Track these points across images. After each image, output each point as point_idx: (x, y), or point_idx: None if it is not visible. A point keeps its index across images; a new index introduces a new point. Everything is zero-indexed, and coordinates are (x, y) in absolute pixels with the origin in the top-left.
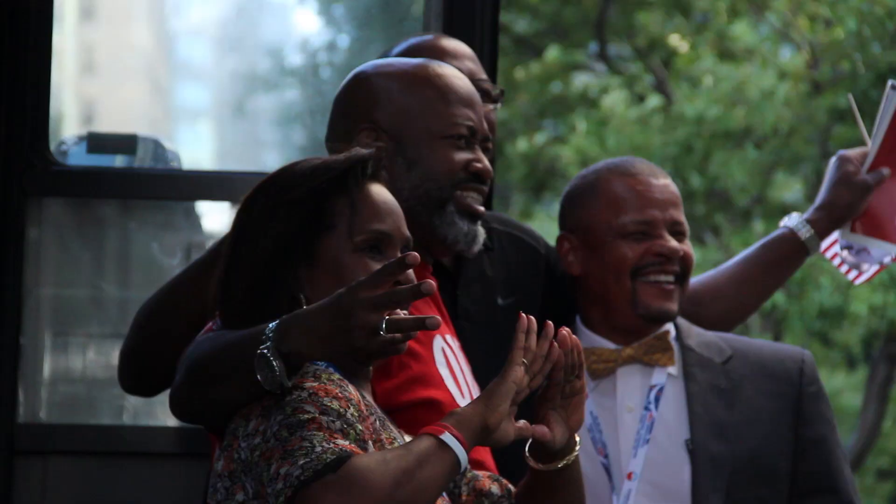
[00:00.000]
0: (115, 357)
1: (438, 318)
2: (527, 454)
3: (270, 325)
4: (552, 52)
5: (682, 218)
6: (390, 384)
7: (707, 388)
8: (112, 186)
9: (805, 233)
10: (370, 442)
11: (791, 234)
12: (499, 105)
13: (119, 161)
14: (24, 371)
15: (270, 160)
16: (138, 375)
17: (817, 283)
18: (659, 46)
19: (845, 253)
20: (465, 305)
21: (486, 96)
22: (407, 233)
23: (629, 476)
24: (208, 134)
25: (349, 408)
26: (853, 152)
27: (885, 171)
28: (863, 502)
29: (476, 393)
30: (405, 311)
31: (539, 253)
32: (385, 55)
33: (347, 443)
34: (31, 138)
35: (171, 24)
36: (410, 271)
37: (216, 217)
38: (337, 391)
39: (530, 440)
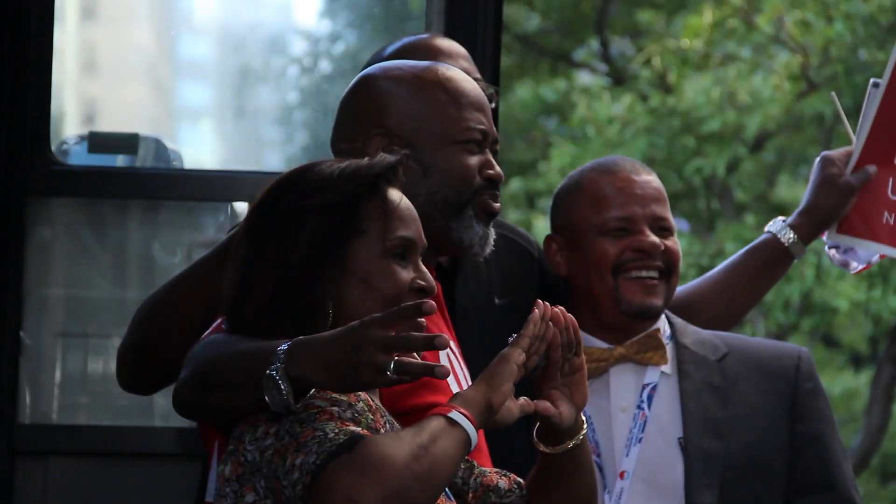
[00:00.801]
0: (115, 358)
1: (447, 337)
2: (535, 439)
3: (282, 347)
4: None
5: (667, 214)
6: (397, 388)
7: (701, 385)
8: (114, 186)
9: (788, 238)
10: (382, 431)
11: (774, 240)
12: (492, 105)
13: (121, 161)
14: (25, 371)
15: (272, 160)
16: (137, 374)
17: (801, 275)
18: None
19: (833, 252)
20: (462, 304)
21: None
22: (425, 239)
23: (621, 475)
24: (210, 134)
25: (358, 402)
26: (837, 153)
27: (872, 169)
28: None
29: None
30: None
31: (533, 257)
32: (379, 55)
33: (360, 429)
34: (32, 138)
35: (173, 23)
36: (423, 319)
37: (218, 217)
38: None
39: (537, 425)
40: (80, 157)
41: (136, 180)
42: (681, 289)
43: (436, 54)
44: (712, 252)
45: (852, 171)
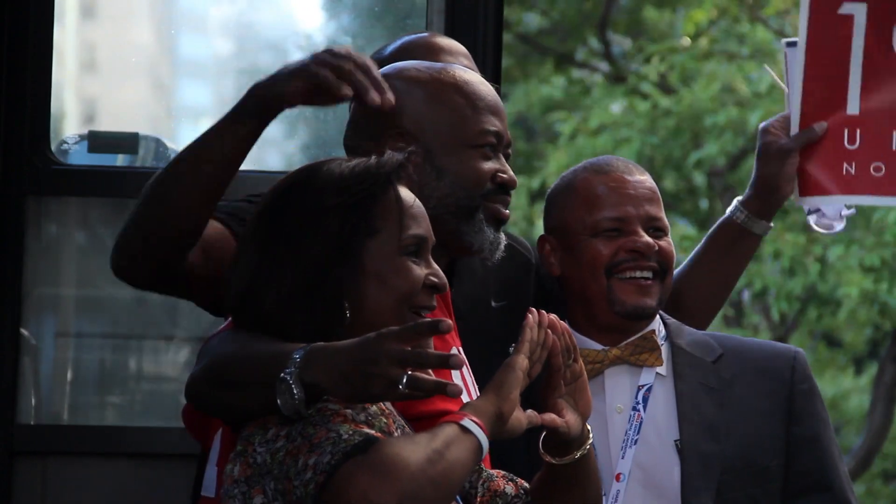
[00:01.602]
0: (116, 357)
1: (461, 357)
2: (542, 450)
3: (298, 352)
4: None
5: (661, 214)
6: None
7: (697, 387)
8: (113, 185)
9: (740, 216)
10: (394, 435)
11: (730, 220)
12: None
13: (120, 160)
14: (23, 371)
15: (272, 159)
16: (134, 256)
17: (805, 267)
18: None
19: (812, 218)
20: (458, 304)
21: None
22: (433, 235)
23: (617, 477)
24: None
25: (371, 406)
26: (773, 120)
27: (818, 127)
28: None
29: None
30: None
31: (530, 262)
32: (379, 54)
33: (373, 432)
34: (31, 137)
35: (173, 22)
36: (432, 339)
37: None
38: None
39: (543, 434)
40: (79, 156)
41: (136, 180)
42: None
43: (437, 52)
44: None
45: (799, 131)
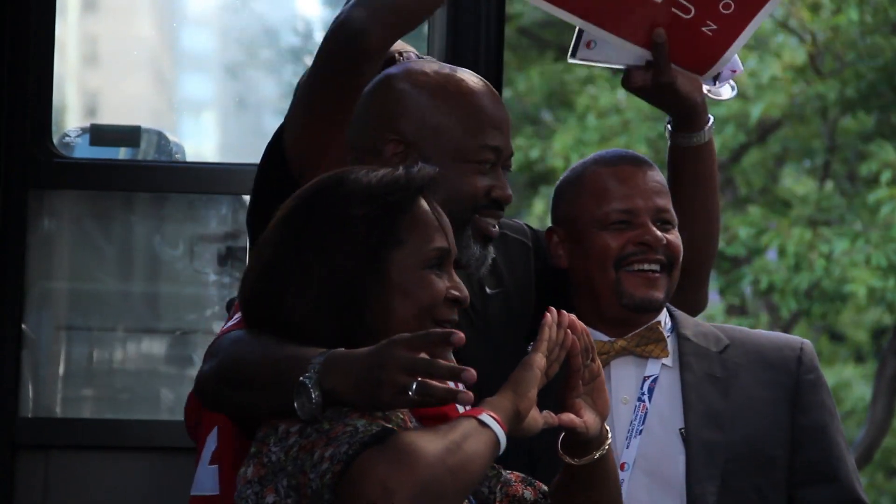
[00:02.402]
0: (117, 350)
1: (473, 373)
2: (561, 452)
3: (318, 357)
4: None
5: (669, 206)
6: None
7: (702, 377)
8: (115, 179)
9: (683, 141)
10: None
11: (677, 149)
12: None
13: (122, 153)
14: (26, 365)
15: None
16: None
17: (810, 263)
18: None
19: (706, 89)
20: None
21: None
22: (456, 247)
23: (622, 466)
24: (212, 126)
25: None
26: (632, 73)
27: (657, 36)
28: (871, 498)
29: None
30: None
31: (526, 245)
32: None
33: (390, 426)
34: (33, 131)
35: (174, 15)
36: (449, 351)
37: (220, 209)
38: None
39: (562, 436)
40: (81, 149)
41: (138, 173)
42: None
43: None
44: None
45: (651, 57)
